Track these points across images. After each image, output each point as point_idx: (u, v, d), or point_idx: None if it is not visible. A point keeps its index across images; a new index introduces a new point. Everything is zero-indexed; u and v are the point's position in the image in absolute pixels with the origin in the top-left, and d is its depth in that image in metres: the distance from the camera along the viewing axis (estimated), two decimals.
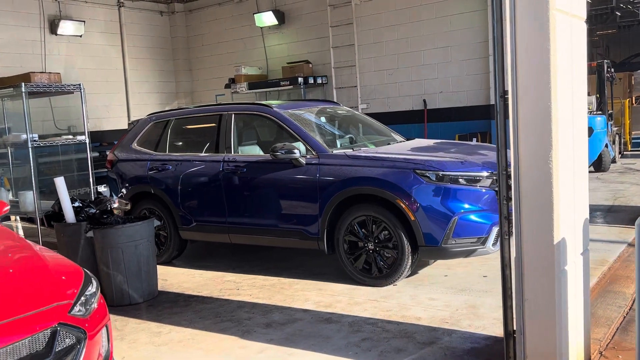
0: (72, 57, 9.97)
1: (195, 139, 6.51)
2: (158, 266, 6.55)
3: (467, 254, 4.98)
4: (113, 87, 10.57)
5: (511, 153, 3.11)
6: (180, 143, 6.61)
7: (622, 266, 5.37)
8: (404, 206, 4.95)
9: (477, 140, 8.21)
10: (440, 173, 4.96)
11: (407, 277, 5.26)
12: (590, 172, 11.74)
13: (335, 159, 5.40)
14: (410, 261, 5.05)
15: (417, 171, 4.99)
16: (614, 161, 12.43)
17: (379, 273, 5.19)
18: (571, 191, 3.15)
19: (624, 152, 13.87)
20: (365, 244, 5.21)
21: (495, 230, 4.94)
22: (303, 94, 9.70)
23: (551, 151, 2.96)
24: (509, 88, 3.06)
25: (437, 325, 4.22)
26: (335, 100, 9.72)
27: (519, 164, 3.08)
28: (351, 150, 5.59)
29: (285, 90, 10.02)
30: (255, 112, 6.07)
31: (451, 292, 4.93)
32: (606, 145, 11.50)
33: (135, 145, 6.95)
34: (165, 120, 6.82)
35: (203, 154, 6.28)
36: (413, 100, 8.92)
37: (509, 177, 3.16)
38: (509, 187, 3.16)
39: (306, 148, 5.57)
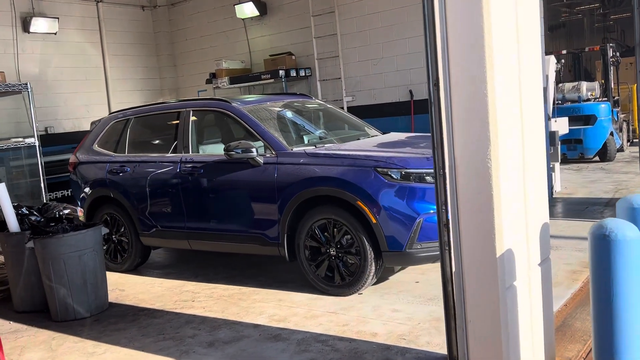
0: (48, 56, 9.63)
1: (154, 138, 6.10)
2: (118, 275, 6.21)
3: (436, 259, 4.50)
4: (93, 85, 10.23)
5: (445, 150, 2.65)
6: (139, 143, 6.21)
7: None
8: (364, 208, 4.49)
9: None
10: (403, 171, 4.49)
11: (374, 284, 4.82)
12: (595, 162, 11.13)
13: (294, 157, 4.96)
14: (374, 268, 4.60)
15: (379, 169, 4.52)
16: (621, 150, 11.80)
17: (341, 281, 4.75)
18: (521, 193, 2.67)
19: (633, 140, 13.21)
20: (327, 249, 4.77)
21: None
22: (285, 87, 9.25)
23: (489, 147, 2.49)
24: (440, 75, 2.59)
25: (392, 343, 3.77)
26: (320, 93, 9.27)
27: (455, 163, 2.61)
28: (312, 147, 5.14)
29: (268, 84, 9.58)
30: (213, 109, 5.64)
31: (418, 302, 4.47)
32: (611, 134, 10.89)
33: (95, 146, 6.57)
34: (124, 120, 6.43)
35: (161, 155, 5.87)
36: (399, 91, 8.42)
37: (445, 178, 2.69)
38: (446, 190, 2.70)
39: (265, 146, 5.14)
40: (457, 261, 2.66)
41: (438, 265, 5.15)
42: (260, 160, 5.07)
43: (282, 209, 4.90)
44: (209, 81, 10.33)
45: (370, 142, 5.47)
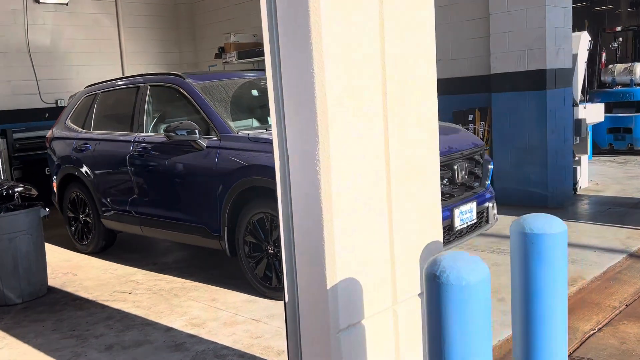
0: (60, 27, 9.49)
1: (116, 115, 5.72)
2: (82, 257, 5.94)
3: None
4: (107, 58, 10.03)
5: (276, 146, 2.04)
6: (103, 120, 5.85)
7: (600, 287, 4.06)
8: None
9: (474, 118, 6.88)
10: None
11: None
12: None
13: (237, 142, 4.43)
14: None
15: None
16: None
17: (278, 283, 4.21)
18: (378, 211, 2.04)
19: None
20: (265, 247, 4.24)
21: None
22: None
23: (317, 146, 1.87)
24: (268, 47, 1.98)
25: None
26: None
27: (288, 167, 2.01)
28: (261, 131, 4.58)
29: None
30: (166, 84, 5.17)
31: None
32: None
33: (68, 121, 6.30)
34: (93, 94, 6.10)
35: (118, 133, 5.49)
36: None
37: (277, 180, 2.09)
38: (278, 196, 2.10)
39: (210, 128, 4.63)
40: (290, 297, 2.07)
41: None
42: (204, 143, 4.57)
43: (222, 200, 4.40)
44: (217, 55, 9.87)
45: None
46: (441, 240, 2.33)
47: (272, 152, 4.10)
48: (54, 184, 6.31)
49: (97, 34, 9.97)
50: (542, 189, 6.44)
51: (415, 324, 2.23)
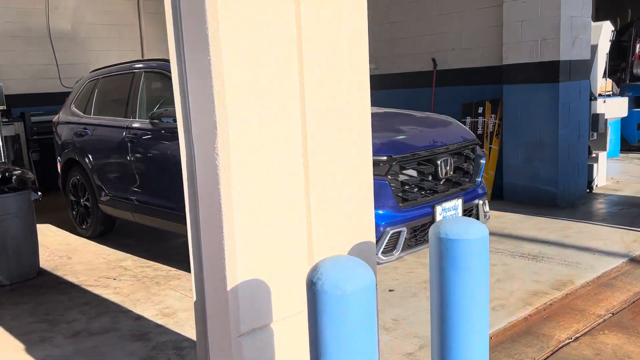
0: (80, 12, 9.60)
1: (113, 100, 5.73)
2: (82, 241, 6.00)
3: None
4: (127, 44, 10.11)
5: (183, 138, 1.94)
6: (102, 105, 5.87)
7: (589, 293, 3.83)
8: None
9: (484, 111, 6.61)
10: None
11: None
12: None
13: None
14: None
15: None
16: None
17: None
18: (293, 210, 1.92)
19: None
20: None
21: (389, 233, 3.67)
22: None
23: (216, 139, 1.76)
24: (171, 28, 1.88)
25: None
26: None
27: (195, 163, 1.91)
28: None
29: None
30: (158, 70, 5.13)
31: None
32: None
33: (72, 106, 6.35)
34: (95, 79, 6.12)
35: (114, 119, 5.49)
36: (423, 59, 7.43)
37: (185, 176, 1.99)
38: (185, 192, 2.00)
39: None
40: (198, 289, 1.98)
41: (381, 267, 4.42)
42: None
43: None
44: None
45: None
46: (373, 240, 2.20)
47: None
48: (59, 168, 6.39)
49: (118, 19, 10.05)
50: (552, 187, 6.16)
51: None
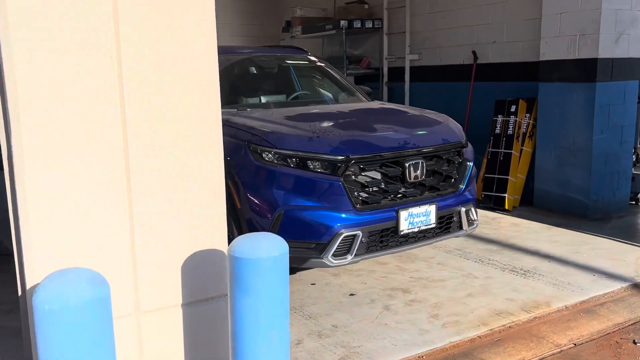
0: None
1: None
2: None
3: (300, 262, 3.66)
4: None
5: (2, 143, 1.96)
6: None
7: (561, 319, 3.48)
8: (232, 189, 3.80)
9: (517, 110, 6.12)
10: (274, 150, 3.66)
11: None
12: None
13: None
14: None
15: (251, 145, 3.75)
16: None
17: None
18: (112, 212, 1.89)
19: None
20: None
21: (341, 236, 3.54)
22: (344, 40, 8.29)
23: (11, 138, 1.76)
24: None
25: None
26: (385, 49, 8.16)
27: (12, 161, 1.92)
28: (227, 110, 4.48)
29: (328, 35, 8.71)
30: None
31: None
32: None
33: None
34: None
35: None
36: (464, 52, 6.99)
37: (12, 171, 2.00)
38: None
39: None
40: (22, 282, 2.00)
41: (342, 268, 4.28)
42: None
43: None
44: (284, 29, 9.78)
45: (307, 110, 4.62)
46: (221, 248, 2.12)
47: (227, 134, 4.05)
48: None
49: None
50: (583, 196, 5.64)
51: (168, 336, 2.06)
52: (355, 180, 3.64)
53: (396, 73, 8.12)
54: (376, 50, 8.45)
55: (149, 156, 1.93)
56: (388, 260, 4.55)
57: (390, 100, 8.26)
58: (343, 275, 4.27)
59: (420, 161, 3.82)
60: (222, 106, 4.62)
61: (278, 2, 11.02)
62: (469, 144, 4.40)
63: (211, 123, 2.03)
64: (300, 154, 3.62)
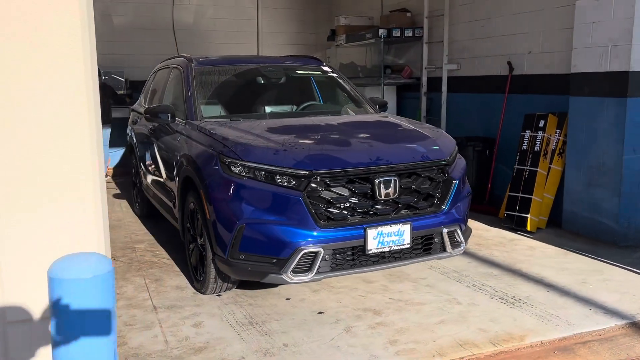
0: (203, 7, 10.28)
1: (154, 93, 6.12)
2: (133, 218, 6.55)
3: (261, 276, 3.60)
4: (244, 37, 10.58)
5: None
6: (150, 95, 6.31)
7: (530, 356, 3.21)
8: (203, 199, 3.82)
9: (546, 125, 5.70)
10: (239, 162, 3.64)
11: (263, 287, 4.17)
12: None
13: (191, 129, 4.44)
14: (213, 270, 3.91)
15: (222, 156, 3.75)
16: None
17: (202, 276, 4.18)
18: None
19: None
20: (196, 237, 4.23)
21: (301, 252, 3.46)
22: (382, 49, 8.08)
23: None
24: None
25: None
26: (425, 58, 7.90)
27: None
28: (223, 120, 4.51)
29: (370, 44, 8.52)
30: (175, 66, 5.38)
31: (247, 322, 3.66)
32: None
33: (143, 95, 6.92)
34: (156, 70, 6.59)
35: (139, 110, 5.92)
36: (500, 62, 6.61)
37: None
38: None
39: (184, 112, 4.73)
40: None
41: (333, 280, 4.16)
42: (174, 126, 4.70)
43: (178, 184, 4.49)
44: (329, 38, 9.72)
45: (296, 122, 4.56)
46: (111, 269, 2.11)
47: (198, 142, 4.10)
48: None
49: (237, 13, 10.61)
50: (612, 221, 5.17)
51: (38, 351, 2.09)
52: (320, 196, 3.54)
53: (435, 83, 7.86)
54: (418, 59, 8.23)
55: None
56: (376, 279, 4.39)
57: (428, 111, 8.00)
58: (322, 291, 4.17)
59: (393, 178, 3.65)
60: (220, 116, 4.68)
61: (332, 11, 11.01)
62: (462, 160, 4.17)
63: (76, 135, 2.02)
64: (265, 167, 3.57)
